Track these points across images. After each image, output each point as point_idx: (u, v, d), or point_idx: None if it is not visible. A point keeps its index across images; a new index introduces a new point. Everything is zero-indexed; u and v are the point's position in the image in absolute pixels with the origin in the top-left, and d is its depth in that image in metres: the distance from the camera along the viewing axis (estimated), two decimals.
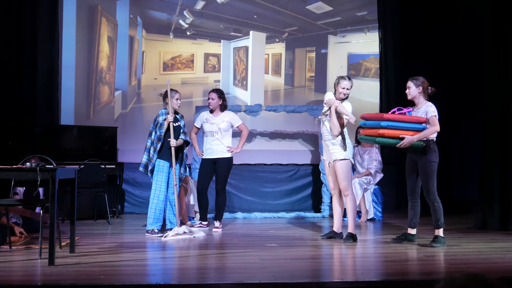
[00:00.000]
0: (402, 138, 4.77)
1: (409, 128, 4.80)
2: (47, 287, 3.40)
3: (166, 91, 5.76)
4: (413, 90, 5.01)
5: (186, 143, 5.90)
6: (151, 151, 5.69)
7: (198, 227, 6.12)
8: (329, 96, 5.22)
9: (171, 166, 5.66)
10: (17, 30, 7.67)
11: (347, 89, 5.19)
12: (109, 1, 8.15)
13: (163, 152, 5.69)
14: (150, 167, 5.69)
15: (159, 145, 5.67)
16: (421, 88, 4.97)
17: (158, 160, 5.67)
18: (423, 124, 4.88)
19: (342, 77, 5.26)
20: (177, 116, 5.86)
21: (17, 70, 7.67)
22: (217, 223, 6.09)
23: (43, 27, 7.77)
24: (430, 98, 5.07)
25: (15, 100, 7.59)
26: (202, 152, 6.17)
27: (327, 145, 5.24)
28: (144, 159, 5.71)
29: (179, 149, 5.82)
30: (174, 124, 5.75)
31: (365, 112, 5.44)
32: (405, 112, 4.95)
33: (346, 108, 5.11)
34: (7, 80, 7.55)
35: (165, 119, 5.67)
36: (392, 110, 5.07)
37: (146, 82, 8.21)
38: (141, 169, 5.75)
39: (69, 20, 7.97)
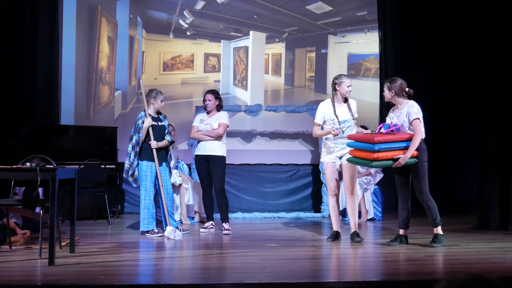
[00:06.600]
0: (396, 159, 4.75)
1: (401, 148, 4.76)
2: (47, 287, 3.40)
3: (150, 90, 5.74)
4: (386, 93, 5.00)
5: (171, 143, 5.89)
6: (132, 156, 5.62)
7: (210, 228, 6.03)
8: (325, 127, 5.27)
9: (160, 165, 5.65)
10: (17, 30, 7.66)
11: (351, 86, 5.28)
12: (109, 1, 8.14)
13: (147, 153, 5.63)
14: (130, 172, 5.63)
15: (138, 149, 5.62)
16: (393, 92, 4.92)
17: (141, 162, 5.63)
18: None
19: (343, 76, 5.29)
20: (160, 116, 5.83)
21: (17, 70, 7.66)
22: (226, 225, 5.89)
23: (43, 27, 7.76)
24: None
25: (15, 100, 7.59)
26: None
27: (340, 148, 5.22)
28: (126, 164, 5.65)
29: (165, 149, 5.78)
30: (159, 124, 5.73)
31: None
32: (393, 130, 4.88)
33: (352, 105, 5.24)
34: (7, 80, 7.55)
35: (143, 122, 5.62)
36: (379, 127, 5.02)
37: (146, 82, 8.16)
38: (124, 175, 5.73)
39: (69, 20, 7.96)
